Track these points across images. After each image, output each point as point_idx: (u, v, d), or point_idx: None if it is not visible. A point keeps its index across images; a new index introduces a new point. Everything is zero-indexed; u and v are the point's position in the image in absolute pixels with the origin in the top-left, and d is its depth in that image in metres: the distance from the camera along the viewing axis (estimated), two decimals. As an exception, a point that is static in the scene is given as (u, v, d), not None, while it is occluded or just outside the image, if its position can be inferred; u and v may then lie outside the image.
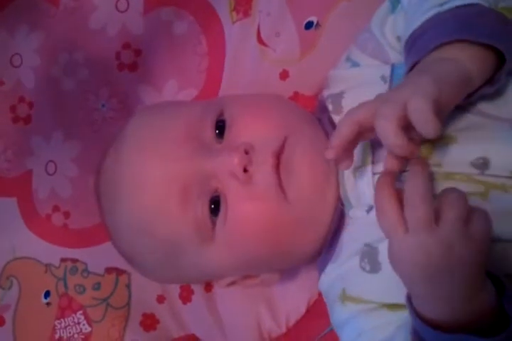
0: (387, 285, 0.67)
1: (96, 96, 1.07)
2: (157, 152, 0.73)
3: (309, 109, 0.83)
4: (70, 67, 1.09)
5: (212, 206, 0.72)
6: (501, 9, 0.63)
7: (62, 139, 1.08)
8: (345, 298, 0.71)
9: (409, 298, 0.61)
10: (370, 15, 0.77)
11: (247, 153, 0.70)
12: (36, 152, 1.11)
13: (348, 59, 0.78)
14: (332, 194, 0.73)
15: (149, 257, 0.78)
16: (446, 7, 0.64)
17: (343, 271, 0.72)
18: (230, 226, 0.71)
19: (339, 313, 0.73)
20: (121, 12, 1.06)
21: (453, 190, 0.58)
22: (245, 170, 0.70)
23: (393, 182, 0.60)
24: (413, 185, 0.58)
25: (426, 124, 0.55)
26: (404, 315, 0.65)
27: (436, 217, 0.56)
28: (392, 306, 0.68)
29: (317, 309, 0.85)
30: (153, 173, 0.73)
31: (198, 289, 0.93)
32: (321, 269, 0.76)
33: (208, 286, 0.93)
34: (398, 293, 0.64)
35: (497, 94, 0.65)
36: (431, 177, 0.59)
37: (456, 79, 0.59)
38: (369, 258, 0.69)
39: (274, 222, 0.71)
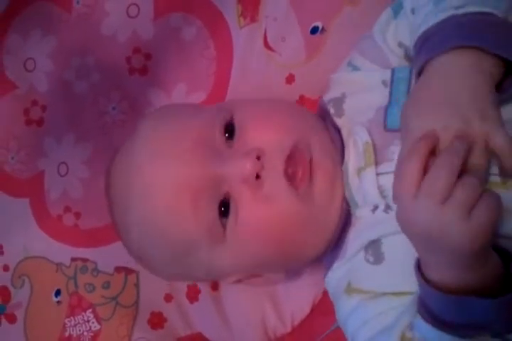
0: (390, 275, 0.69)
1: (107, 100, 1.08)
2: (168, 155, 0.74)
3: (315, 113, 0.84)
4: (82, 71, 1.10)
5: (222, 209, 0.72)
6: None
7: (74, 141, 1.09)
8: (350, 290, 0.72)
9: (417, 262, 0.62)
10: (375, 21, 0.77)
11: (258, 158, 0.70)
12: (48, 154, 1.12)
13: (350, 64, 0.79)
14: (339, 195, 0.74)
15: (158, 256, 0.78)
16: (461, 11, 0.63)
17: (349, 266, 0.73)
18: (241, 229, 0.72)
19: (344, 307, 0.73)
20: (132, 18, 1.07)
21: (470, 175, 0.59)
22: (257, 176, 0.71)
23: (426, 153, 0.60)
24: (445, 159, 0.58)
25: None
26: (407, 300, 0.66)
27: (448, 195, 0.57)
28: (396, 293, 0.69)
29: (322, 308, 0.86)
30: (164, 177, 0.73)
31: (204, 288, 0.94)
32: (328, 267, 0.76)
33: (215, 286, 0.93)
34: (400, 283, 0.66)
35: None
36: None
37: (491, 94, 0.60)
38: (373, 249, 0.70)
39: (284, 225, 0.72)
